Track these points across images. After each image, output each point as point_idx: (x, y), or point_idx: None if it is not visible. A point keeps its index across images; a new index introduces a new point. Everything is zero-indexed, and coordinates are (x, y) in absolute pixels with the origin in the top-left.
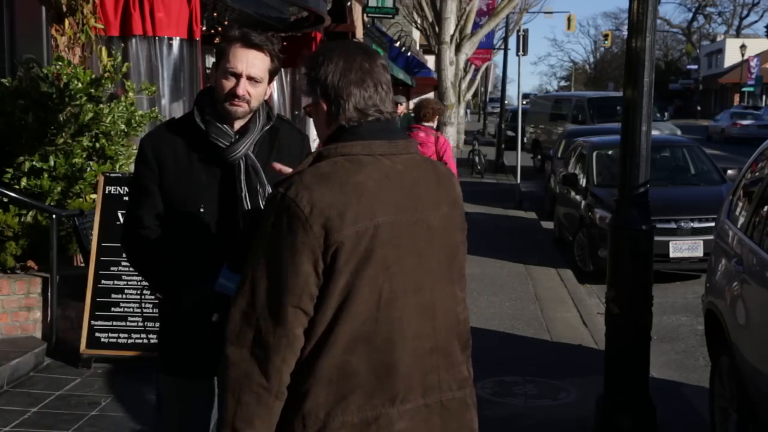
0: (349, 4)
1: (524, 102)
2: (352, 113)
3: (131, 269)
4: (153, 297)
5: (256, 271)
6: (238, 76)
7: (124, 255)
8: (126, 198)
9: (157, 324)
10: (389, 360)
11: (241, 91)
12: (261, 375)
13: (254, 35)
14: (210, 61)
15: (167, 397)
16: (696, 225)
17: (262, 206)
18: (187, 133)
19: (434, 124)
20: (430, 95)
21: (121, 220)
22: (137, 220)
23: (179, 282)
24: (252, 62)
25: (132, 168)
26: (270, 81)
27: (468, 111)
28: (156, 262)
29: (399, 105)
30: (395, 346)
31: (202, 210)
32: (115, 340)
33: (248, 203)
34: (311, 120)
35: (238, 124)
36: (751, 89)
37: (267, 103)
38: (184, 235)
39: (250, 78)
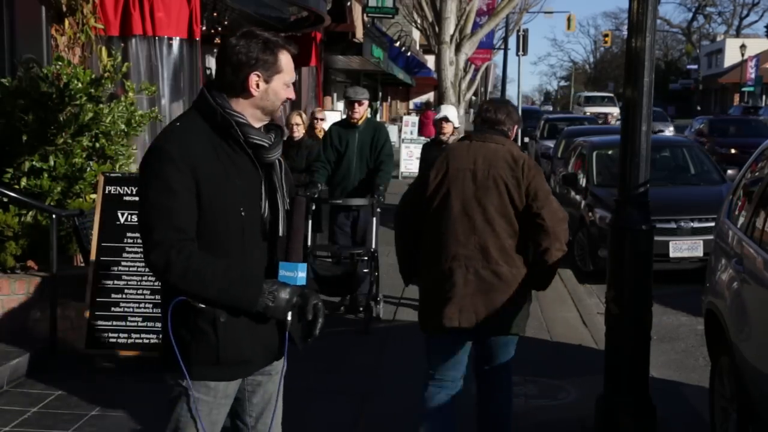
0: (349, 4)
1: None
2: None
3: (131, 269)
4: (157, 298)
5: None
6: (292, 85)
7: (150, 273)
8: (126, 198)
9: (158, 324)
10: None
11: (292, 95)
12: None
13: (289, 42)
14: (210, 61)
15: (202, 410)
16: (696, 225)
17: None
18: (211, 135)
19: None
20: (431, 95)
21: (121, 219)
22: (179, 232)
23: (250, 291)
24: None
25: (132, 168)
26: None
27: (472, 111)
28: (222, 272)
29: (358, 104)
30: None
31: (243, 213)
32: (115, 340)
33: (286, 201)
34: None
35: (258, 125)
36: (751, 89)
37: None
38: (226, 240)
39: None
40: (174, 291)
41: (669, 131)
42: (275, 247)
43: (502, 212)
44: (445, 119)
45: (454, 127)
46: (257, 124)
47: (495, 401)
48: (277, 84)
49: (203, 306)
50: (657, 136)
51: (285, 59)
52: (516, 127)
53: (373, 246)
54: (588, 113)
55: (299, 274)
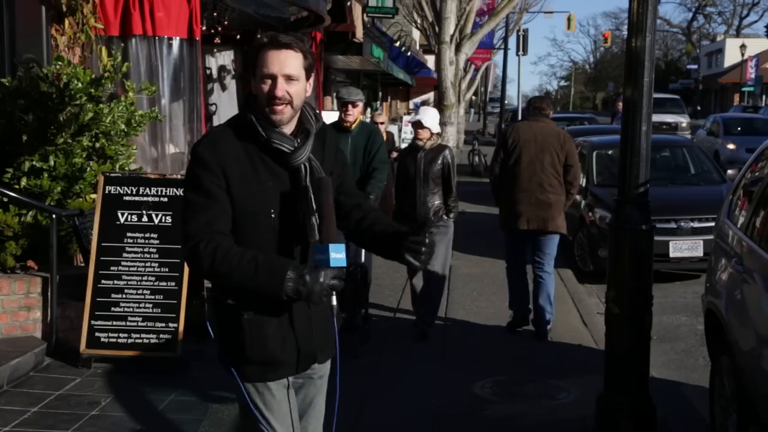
0: (349, 4)
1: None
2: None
3: (131, 269)
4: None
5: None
6: (274, 78)
7: (189, 267)
8: (126, 198)
9: (158, 324)
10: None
11: (279, 91)
12: None
13: (282, 36)
14: (210, 60)
15: (261, 407)
16: (696, 225)
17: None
18: (243, 139)
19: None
20: (431, 95)
21: (121, 219)
22: (208, 226)
23: (286, 275)
24: (284, 61)
25: (132, 167)
26: (308, 78)
27: (472, 110)
28: (248, 260)
29: (352, 106)
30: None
31: (273, 216)
32: (115, 340)
33: (313, 207)
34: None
35: (289, 127)
36: (751, 89)
37: (310, 105)
38: (257, 243)
39: (286, 77)
40: (216, 288)
41: None
42: (309, 251)
43: (551, 164)
44: (419, 124)
45: (432, 133)
46: (285, 128)
47: (544, 280)
48: (257, 80)
49: (231, 303)
50: (657, 136)
51: (263, 55)
52: (551, 111)
53: (362, 259)
54: None
55: (333, 255)
